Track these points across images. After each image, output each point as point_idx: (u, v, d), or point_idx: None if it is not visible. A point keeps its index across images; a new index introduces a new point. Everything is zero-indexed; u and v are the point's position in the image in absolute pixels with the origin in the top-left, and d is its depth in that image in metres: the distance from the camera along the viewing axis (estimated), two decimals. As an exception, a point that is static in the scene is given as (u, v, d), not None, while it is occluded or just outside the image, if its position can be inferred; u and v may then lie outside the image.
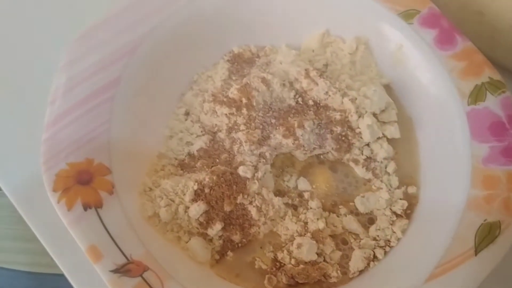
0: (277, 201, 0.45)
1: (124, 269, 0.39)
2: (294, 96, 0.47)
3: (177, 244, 0.43)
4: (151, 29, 0.47)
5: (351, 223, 0.45)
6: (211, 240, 0.44)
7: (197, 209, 0.43)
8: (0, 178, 0.49)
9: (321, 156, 0.47)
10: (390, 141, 0.47)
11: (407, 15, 0.47)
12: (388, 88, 0.49)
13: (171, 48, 0.48)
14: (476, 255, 0.40)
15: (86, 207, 0.40)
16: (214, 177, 0.44)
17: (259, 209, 0.44)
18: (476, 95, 0.45)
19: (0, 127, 0.51)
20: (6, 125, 0.51)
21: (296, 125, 0.45)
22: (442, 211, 0.43)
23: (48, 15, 0.55)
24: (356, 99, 0.46)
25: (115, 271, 0.39)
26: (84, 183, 0.41)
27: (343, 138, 0.46)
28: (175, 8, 0.47)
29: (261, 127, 0.46)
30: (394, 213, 0.45)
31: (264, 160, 0.45)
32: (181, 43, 0.49)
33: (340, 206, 0.46)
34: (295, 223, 0.45)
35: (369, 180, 0.47)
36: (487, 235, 0.41)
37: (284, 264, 0.43)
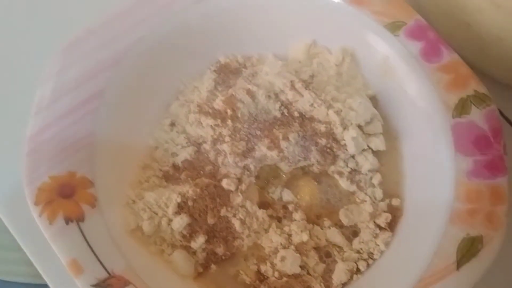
0: (261, 213, 0.45)
1: (105, 284, 0.39)
2: (280, 107, 0.47)
3: (160, 257, 0.43)
4: (137, 40, 0.46)
5: (335, 235, 0.45)
6: (194, 253, 0.44)
7: (180, 222, 0.43)
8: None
9: (306, 168, 0.47)
10: (375, 153, 0.47)
11: (394, 27, 0.47)
12: (374, 99, 0.49)
13: (156, 59, 0.48)
14: (458, 269, 0.40)
15: (67, 220, 0.40)
16: (198, 190, 0.44)
17: (242, 222, 0.44)
18: (461, 108, 0.45)
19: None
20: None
21: (281, 137, 0.45)
22: (426, 224, 0.43)
23: (30, 26, 0.55)
24: (341, 111, 0.46)
25: (96, 285, 0.39)
26: (66, 196, 0.41)
27: (328, 150, 0.46)
28: (161, 18, 0.47)
29: (246, 138, 0.46)
30: (378, 226, 0.45)
31: (248, 172, 0.45)
32: (167, 53, 0.49)
33: (324, 218, 0.46)
34: (279, 235, 0.45)
35: (353, 193, 0.47)
36: (469, 249, 0.41)
37: (268, 277, 0.43)
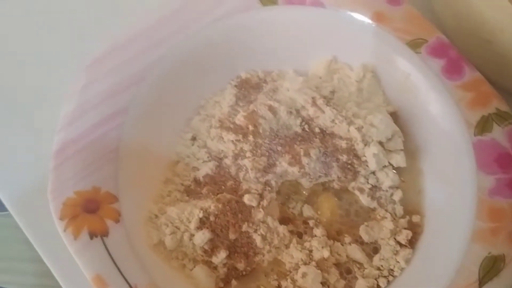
0: (282, 229, 0.45)
1: (129, 299, 0.40)
2: (300, 123, 0.47)
3: (181, 272, 0.44)
4: (160, 57, 0.47)
5: (356, 252, 0.45)
6: (215, 268, 0.44)
7: (202, 237, 0.43)
8: (6, 199, 0.50)
9: (327, 184, 0.47)
10: (396, 169, 0.47)
11: (415, 44, 0.47)
12: (394, 116, 0.49)
13: (179, 75, 0.49)
14: (480, 288, 0.40)
15: (92, 235, 0.41)
16: (220, 205, 0.44)
17: (263, 237, 0.44)
18: (483, 126, 0.45)
19: (11, 154, 0.52)
20: (15, 147, 0.52)
21: (302, 153, 0.45)
22: (447, 242, 0.43)
23: (55, 44, 0.56)
24: (362, 127, 0.46)
25: (120, 300, 0.39)
26: (91, 212, 0.42)
27: (349, 166, 0.46)
28: (184, 35, 0.48)
29: (267, 154, 0.46)
30: (398, 242, 0.45)
31: (269, 188, 0.46)
32: (189, 69, 0.49)
33: (344, 235, 0.46)
34: (300, 251, 0.45)
35: (374, 209, 0.47)
36: (491, 268, 0.41)
37: (289, 293, 0.44)
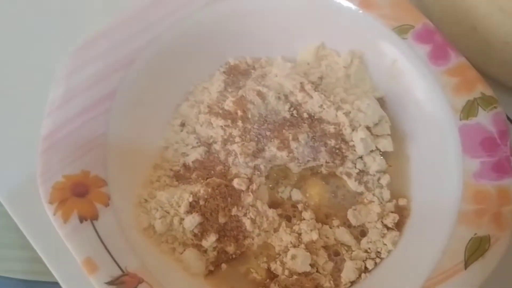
0: (271, 212, 0.45)
1: (119, 281, 0.40)
2: (289, 109, 0.48)
3: (171, 256, 0.44)
4: (148, 42, 0.47)
5: (344, 235, 0.45)
6: (205, 251, 0.44)
7: (192, 221, 0.43)
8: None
9: (315, 169, 0.48)
10: (383, 154, 0.48)
11: (402, 30, 0.48)
12: (382, 101, 0.49)
13: (167, 60, 0.49)
14: (465, 269, 0.41)
15: (82, 219, 0.41)
16: (209, 189, 0.44)
17: (253, 221, 0.45)
18: (468, 111, 0.45)
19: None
20: (2, 134, 0.52)
21: (290, 137, 0.46)
22: (433, 224, 0.44)
23: (45, 27, 0.55)
24: (350, 112, 0.47)
25: (110, 283, 0.39)
26: (80, 195, 0.42)
27: (337, 151, 0.47)
28: (172, 21, 0.48)
29: (256, 139, 0.46)
30: (385, 226, 0.46)
31: (258, 173, 0.46)
32: (178, 55, 0.49)
33: (333, 218, 0.47)
34: (289, 234, 0.45)
35: (361, 193, 0.47)
36: (477, 249, 0.41)
37: (278, 275, 0.44)
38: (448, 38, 0.47)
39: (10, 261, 0.65)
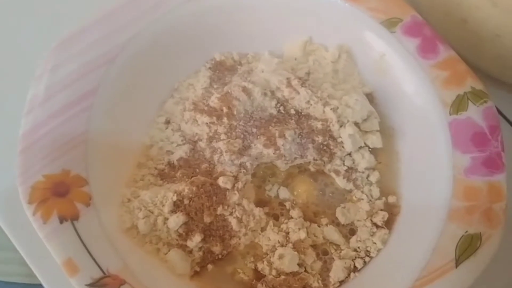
0: (258, 211, 0.44)
1: (100, 283, 0.38)
2: (276, 105, 0.47)
3: (156, 256, 0.43)
4: (131, 37, 0.46)
5: (332, 233, 0.45)
6: (190, 251, 0.43)
7: (176, 221, 0.42)
8: None
9: (303, 166, 0.47)
10: (372, 150, 0.47)
11: (390, 23, 0.47)
12: (370, 96, 0.49)
13: (151, 56, 0.48)
14: (456, 267, 0.40)
15: (62, 219, 0.40)
16: (194, 188, 0.43)
17: (239, 220, 0.44)
18: (458, 105, 0.44)
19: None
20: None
21: (277, 134, 0.45)
22: (423, 222, 0.43)
23: (22, 25, 0.54)
24: (337, 108, 0.46)
25: (91, 285, 0.38)
26: (61, 195, 0.41)
27: (325, 147, 0.46)
28: (156, 16, 0.47)
29: (242, 136, 0.45)
30: (375, 224, 0.45)
31: (244, 170, 0.45)
32: (162, 50, 0.48)
33: (321, 216, 0.46)
34: (277, 233, 0.44)
35: (350, 191, 0.46)
36: (468, 247, 0.40)
37: (265, 275, 0.43)
38: (437, 31, 0.47)
39: (5, 264, 0.64)
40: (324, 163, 0.46)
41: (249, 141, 0.45)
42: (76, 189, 0.41)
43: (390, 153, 0.48)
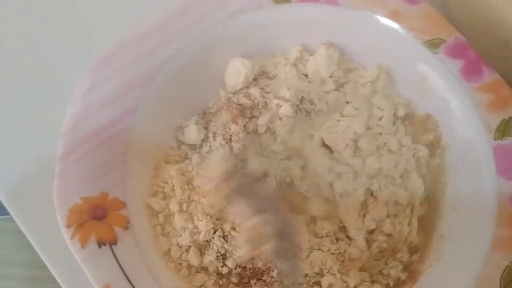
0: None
1: (138, 310, 0.38)
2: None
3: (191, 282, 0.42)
4: (169, 57, 0.45)
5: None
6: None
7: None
8: (9, 204, 0.48)
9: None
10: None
11: (433, 44, 0.45)
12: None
13: (188, 75, 0.47)
14: (501, 299, 0.39)
15: (100, 243, 0.39)
16: None
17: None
18: (503, 130, 0.43)
19: (14, 158, 0.50)
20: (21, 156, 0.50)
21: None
22: (467, 250, 0.42)
23: (62, 42, 0.54)
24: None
25: (130, 311, 0.38)
26: (99, 218, 0.40)
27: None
28: (195, 33, 0.46)
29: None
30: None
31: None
32: (199, 69, 0.47)
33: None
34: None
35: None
36: (513, 277, 0.39)
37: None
38: (480, 51, 0.45)
39: (23, 281, 0.64)
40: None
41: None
42: (114, 212, 0.41)
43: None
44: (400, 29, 0.46)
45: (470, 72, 0.45)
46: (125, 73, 0.44)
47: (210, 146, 0.45)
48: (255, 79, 0.48)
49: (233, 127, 0.44)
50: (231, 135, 0.44)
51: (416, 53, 0.46)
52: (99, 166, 0.41)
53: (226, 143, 0.44)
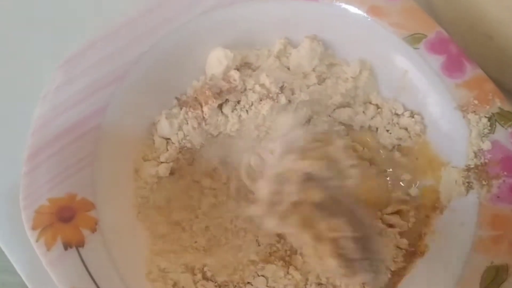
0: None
1: (106, 313, 0.37)
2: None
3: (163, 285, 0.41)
4: (141, 54, 0.44)
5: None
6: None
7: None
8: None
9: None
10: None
11: (414, 39, 0.44)
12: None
13: (161, 73, 0.45)
14: (481, 300, 0.38)
15: (66, 246, 0.38)
16: None
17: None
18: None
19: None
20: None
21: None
22: (447, 251, 0.41)
23: (31, 41, 0.53)
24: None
25: (97, 315, 0.37)
26: (66, 220, 0.39)
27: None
28: (165, 32, 0.45)
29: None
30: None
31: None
32: (172, 66, 0.46)
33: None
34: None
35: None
36: (493, 279, 0.38)
37: None
38: (462, 46, 0.44)
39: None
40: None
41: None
42: (83, 213, 0.40)
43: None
44: (380, 24, 0.45)
45: (452, 67, 0.43)
46: (96, 70, 0.43)
47: (184, 133, 0.44)
48: (237, 70, 0.47)
49: (205, 109, 0.43)
50: (203, 117, 0.44)
51: (396, 49, 0.45)
52: (67, 167, 0.40)
53: (199, 124, 0.44)
